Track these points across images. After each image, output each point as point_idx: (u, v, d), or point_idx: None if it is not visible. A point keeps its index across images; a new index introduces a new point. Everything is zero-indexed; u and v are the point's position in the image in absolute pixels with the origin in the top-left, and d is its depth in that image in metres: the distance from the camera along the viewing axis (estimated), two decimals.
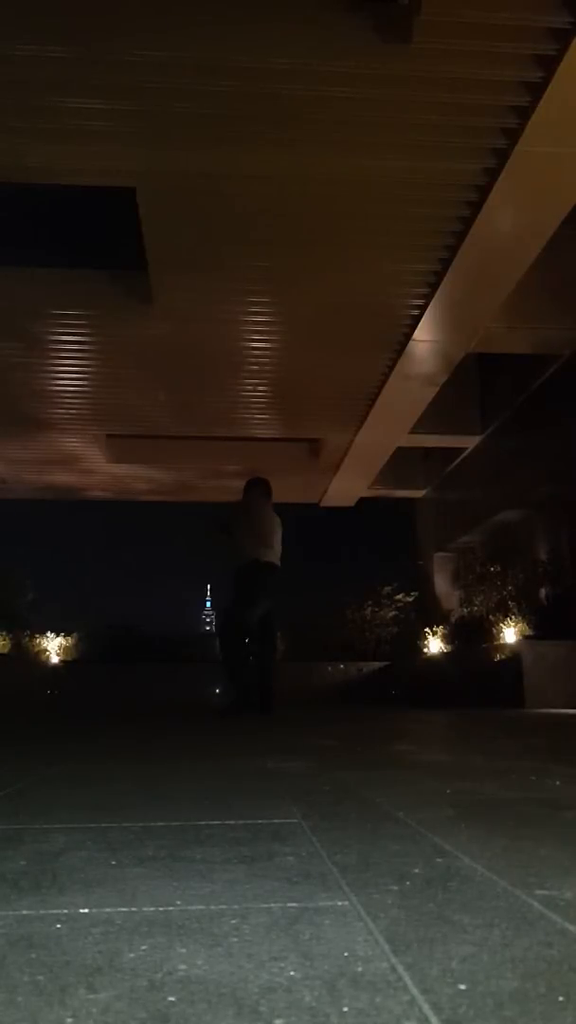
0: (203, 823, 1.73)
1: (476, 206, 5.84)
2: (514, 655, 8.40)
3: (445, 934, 0.96)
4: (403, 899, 1.11)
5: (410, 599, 13.49)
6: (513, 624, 9.45)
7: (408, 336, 7.79)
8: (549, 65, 4.57)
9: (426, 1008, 0.74)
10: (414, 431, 10.69)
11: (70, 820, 1.81)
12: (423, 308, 7.28)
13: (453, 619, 12.04)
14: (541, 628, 8.91)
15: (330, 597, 13.86)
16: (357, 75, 4.76)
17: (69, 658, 13.31)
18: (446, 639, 11.61)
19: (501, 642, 9.36)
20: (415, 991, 0.78)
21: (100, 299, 7.59)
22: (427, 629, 12.12)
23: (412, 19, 4.36)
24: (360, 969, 0.84)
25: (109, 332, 8.12)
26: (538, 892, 1.14)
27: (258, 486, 7.05)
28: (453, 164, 5.48)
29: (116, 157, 5.54)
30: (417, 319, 7.47)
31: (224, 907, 1.09)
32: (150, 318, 7.64)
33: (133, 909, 1.08)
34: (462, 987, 0.79)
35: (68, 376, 9.05)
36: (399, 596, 13.40)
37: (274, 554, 6.64)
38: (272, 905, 1.09)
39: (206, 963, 0.86)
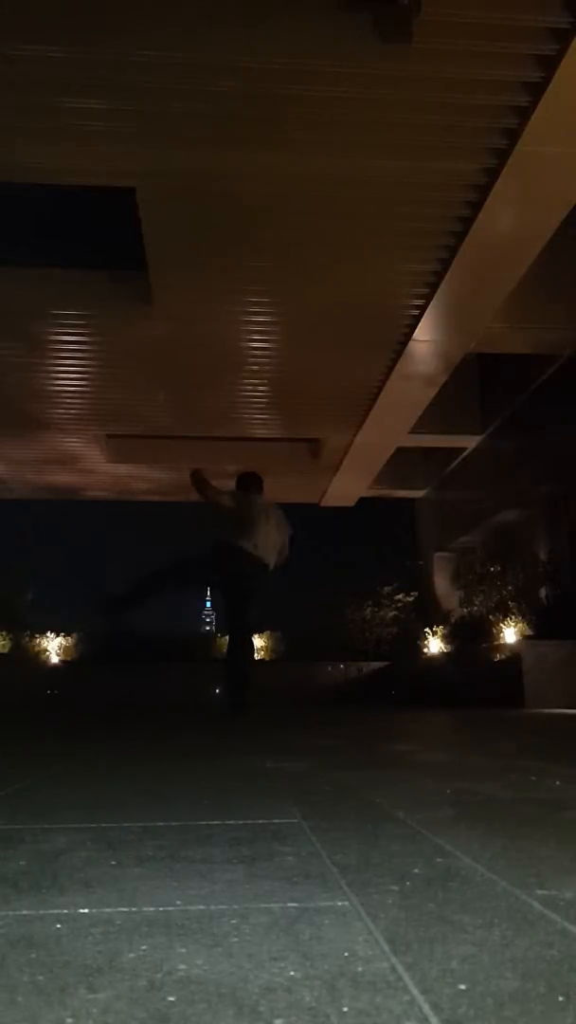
0: (203, 823, 1.73)
1: (476, 206, 5.84)
2: (514, 655, 8.40)
3: (445, 934, 0.96)
4: (403, 899, 1.11)
5: (410, 599, 13.49)
6: (513, 624, 9.45)
7: (408, 336, 7.79)
8: (549, 65, 4.57)
9: (426, 1008, 0.74)
10: (414, 431, 10.69)
11: (70, 820, 1.81)
12: (423, 308, 7.27)
13: (453, 619, 12.04)
14: (541, 628, 8.91)
15: (330, 597, 13.85)
16: (357, 75, 4.76)
17: (69, 658, 13.31)
18: (446, 639, 11.61)
19: (501, 642, 9.36)
20: (415, 991, 0.78)
21: (100, 299, 7.59)
22: (427, 629, 12.12)
23: (412, 19, 4.35)
24: (360, 969, 0.84)
25: (109, 332, 8.12)
26: (538, 892, 1.14)
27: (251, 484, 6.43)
28: (453, 164, 5.48)
29: (116, 157, 5.54)
30: (417, 319, 7.47)
31: (224, 907, 1.09)
32: (150, 318, 7.64)
33: (133, 909, 1.08)
34: (462, 987, 0.79)
35: (68, 376, 9.05)
36: (399, 596, 13.40)
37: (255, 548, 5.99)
38: (272, 905, 1.09)
39: (206, 963, 0.86)
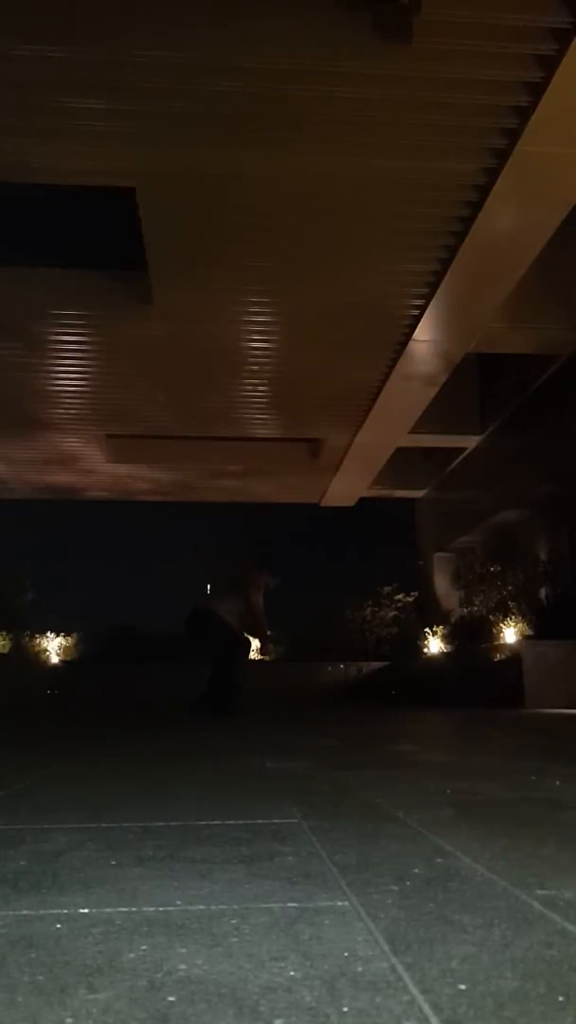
0: (203, 823, 1.73)
1: (476, 206, 5.83)
2: (514, 655, 8.40)
3: (445, 934, 0.96)
4: (403, 899, 1.11)
5: (410, 599, 13.48)
6: (513, 624, 9.44)
7: (408, 336, 7.78)
8: (549, 65, 4.57)
9: (426, 1008, 0.74)
10: (414, 431, 10.69)
11: (70, 820, 1.81)
12: (423, 308, 7.27)
13: (453, 619, 12.03)
14: (541, 628, 8.91)
15: (330, 597, 13.84)
16: (357, 75, 4.76)
17: (69, 658, 13.30)
18: (446, 639, 11.61)
19: (501, 642, 9.36)
20: (415, 991, 0.78)
21: (100, 299, 7.58)
22: (427, 629, 12.12)
23: (412, 19, 4.35)
24: (360, 969, 0.84)
25: (109, 332, 8.12)
26: (538, 892, 1.14)
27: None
28: (453, 164, 5.48)
29: (116, 157, 5.54)
30: (417, 319, 7.47)
31: (224, 907, 1.09)
32: (150, 318, 7.64)
33: (133, 909, 1.08)
34: (462, 987, 0.79)
35: (68, 376, 9.04)
36: (399, 596, 13.40)
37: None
38: (272, 905, 1.09)
39: (206, 963, 0.86)
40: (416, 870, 1.28)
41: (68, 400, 9.71)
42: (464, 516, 12.98)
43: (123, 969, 0.85)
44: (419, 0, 4.23)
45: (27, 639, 13.10)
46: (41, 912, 1.08)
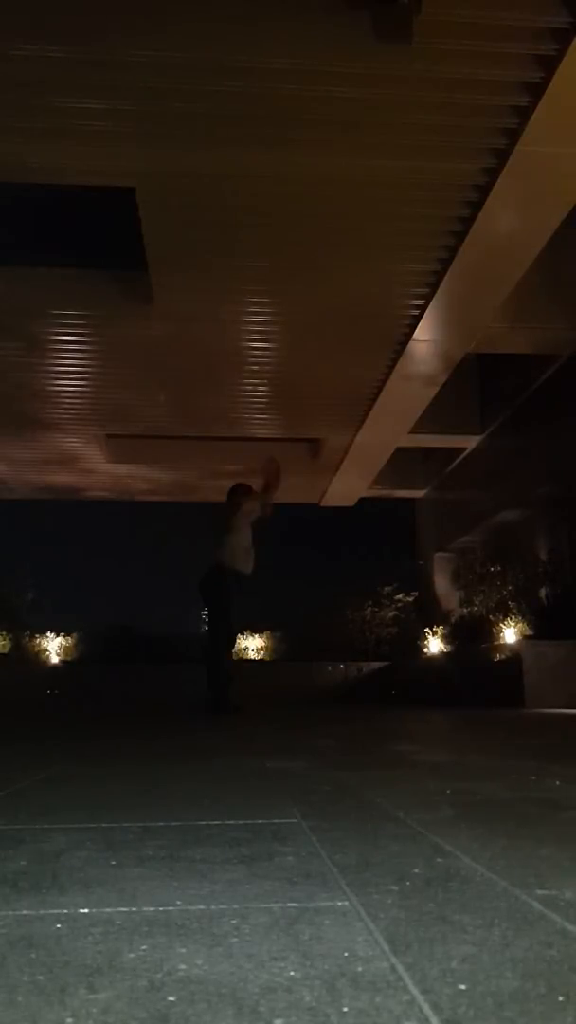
0: (203, 823, 1.73)
1: (476, 206, 5.83)
2: (514, 655, 8.40)
3: (445, 934, 0.96)
4: (403, 899, 1.11)
5: (410, 599, 13.48)
6: (513, 624, 9.44)
7: (408, 336, 7.78)
8: (549, 65, 4.57)
9: (426, 1008, 0.74)
10: (414, 431, 10.69)
11: (70, 820, 1.81)
12: (423, 308, 7.27)
13: (453, 619, 12.04)
14: (541, 628, 8.91)
15: (330, 597, 13.84)
16: (357, 75, 4.76)
17: (69, 658, 13.30)
18: (446, 639, 11.61)
19: (501, 642, 9.36)
20: (415, 991, 0.78)
21: (100, 299, 7.59)
22: (427, 629, 12.12)
23: (412, 19, 4.35)
24: (360, 969, 0.84)
25: (109, 332, 8.12)
26: (538, 892, 1.14)
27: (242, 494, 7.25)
28: (453, 164, 5.48)
29: (116, 157, 5.54)
30: (417, 319, 7.47)
31: (224, 907, 1.09)
32: (150, 318, 7.64)
33: (133, 909, 1.08)
34: (462, 987, 0.79)
35: (68, 376, 9.05)
36: (399, 596, 13.40)
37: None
38: (272, 905, 1.09)
39: (206, 963, 0.86)
40: (416, 870, 1.28)
41: (68, 400, 9.72)
42: (464, 516, 12.98)
43: (123, 969, 0.85)
44: (419, 0, 4.23)
45: (27, 639, 13.11)
46: (41, 912, 1.08)
